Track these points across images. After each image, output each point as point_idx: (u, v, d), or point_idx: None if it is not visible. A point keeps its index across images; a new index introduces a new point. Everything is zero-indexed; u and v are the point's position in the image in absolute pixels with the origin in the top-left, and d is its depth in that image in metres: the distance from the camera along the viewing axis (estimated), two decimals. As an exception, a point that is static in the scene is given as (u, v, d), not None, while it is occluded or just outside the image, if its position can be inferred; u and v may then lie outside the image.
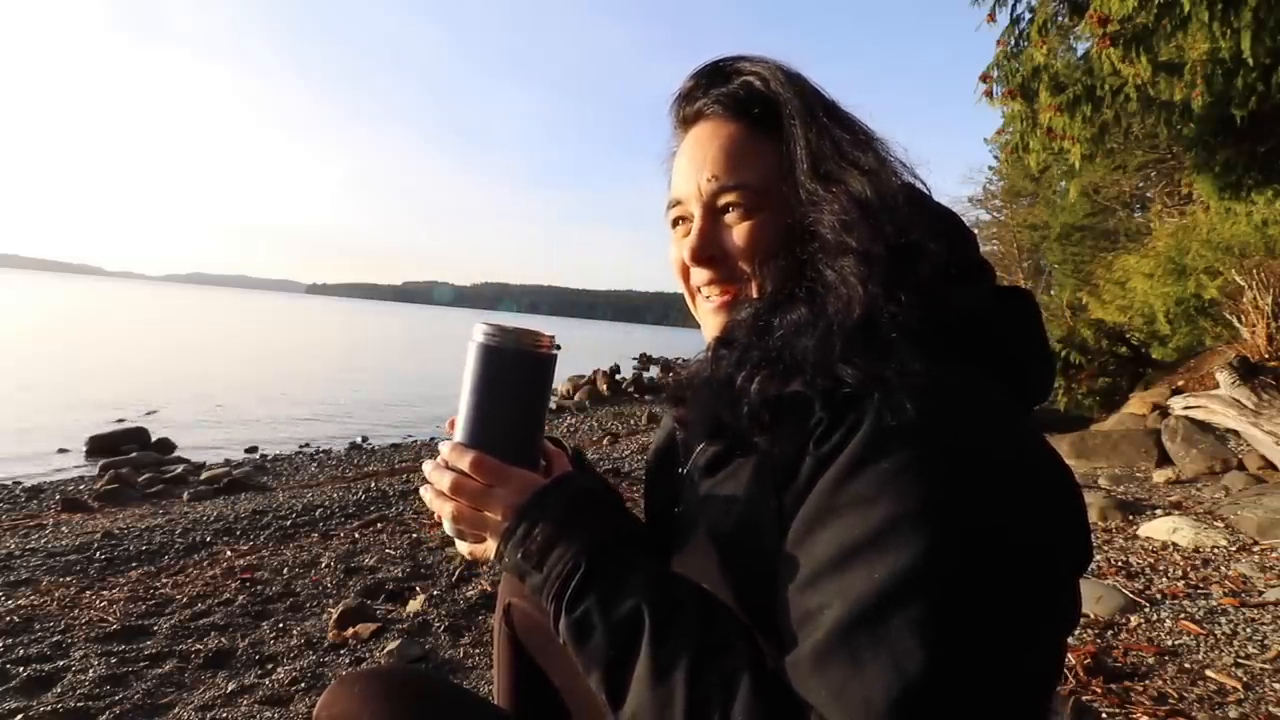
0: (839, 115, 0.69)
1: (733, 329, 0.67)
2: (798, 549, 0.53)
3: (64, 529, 4.44)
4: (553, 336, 0.68)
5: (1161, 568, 2.72)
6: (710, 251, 0.70)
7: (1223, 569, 2.66)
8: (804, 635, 0.50)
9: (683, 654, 0.52)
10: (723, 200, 0.69)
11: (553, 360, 0.68)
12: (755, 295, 0.67)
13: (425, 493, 0.68)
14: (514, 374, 0.66)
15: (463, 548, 0.70)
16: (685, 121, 0.75)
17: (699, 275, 0.73)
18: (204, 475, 6.77)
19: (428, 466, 0.67)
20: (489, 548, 0.66)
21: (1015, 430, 0.55)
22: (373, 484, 5.86)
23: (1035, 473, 0.54)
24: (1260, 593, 2.41)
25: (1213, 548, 2.87)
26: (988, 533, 0.48)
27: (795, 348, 0.59)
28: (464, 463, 0.64)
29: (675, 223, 0.75)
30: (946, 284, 0.59)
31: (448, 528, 0.67)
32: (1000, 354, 0.60)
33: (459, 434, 0.66)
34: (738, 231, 0.69)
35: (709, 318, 0.73)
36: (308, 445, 9.23)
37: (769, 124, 0.68)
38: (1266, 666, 1.92)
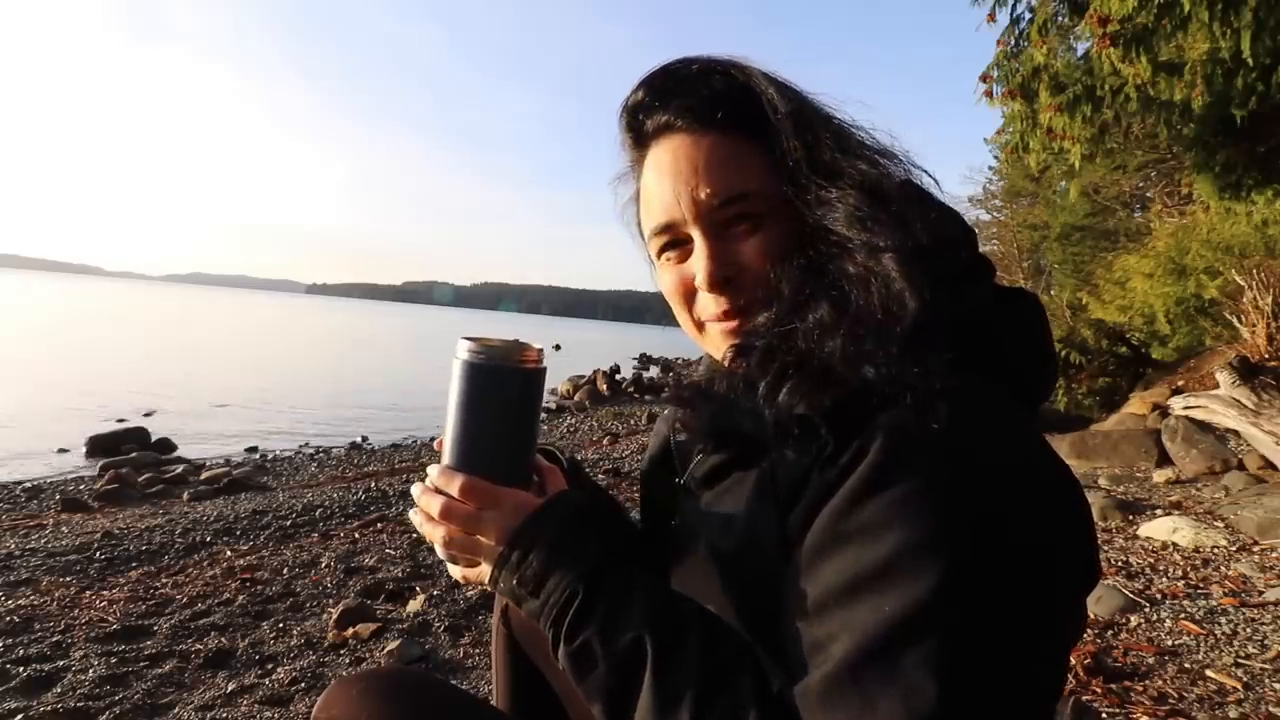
0: (819, 106, 0.66)
1: (751, 334, 0.63)
2: (805, 575, 0.52)
3: (64, 529, 4.44)
4: (541, 349, 0.65)
5: (1161, 568, 2.71)
6: (726, 272, 0.64)
7: (1223, 569, 2.66)
8: (812, 666, 0.49)
9: (687, 686, 0.51)
10: (727, 214, 0.64)
11: (541, 374, 0.65)
12: (769, 302, 0.63)
13: (414, 517, 0.65)
14: (501, 391, 0.63)
15: (455, 571, 0.67)
16: (648, 136, 0.69)
17: (714, 304, 0.66)
18: (204, 475, 6.77)
19: (416, 490, 0.65)
20: (483, 572, 0.64)
21: (1026, 448, 0.53)
22: (373, 484, 5.86)
23: (1046, 494, 0.52)
24: (1260, 593, 2.41)
25: (1213, 548, 2.87)
26: (998, 561, 0.47)
27: (823, 349, 0.56)
28: (453, 487, 0.62)
29: (663, 249, 0.69)
30: (957, 282, 0.58)
31: (439, 552, 0.65)
32: (1001, 356, 0.58)
33: (447, 456, 0.64)
34: (750, 245, 0.64)
35: (725, 343, 0.66)
36: (308, 445, 9.24)
37: (745, 126, 0.64)
38: (1266, 666, 1.92)
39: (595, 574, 0.57)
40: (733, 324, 0.66)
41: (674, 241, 0.68)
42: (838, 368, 0.54)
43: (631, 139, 0.72)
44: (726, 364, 0.64)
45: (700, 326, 0.70)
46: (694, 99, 0.65)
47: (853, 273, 0.58)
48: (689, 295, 0.69)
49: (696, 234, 0.65)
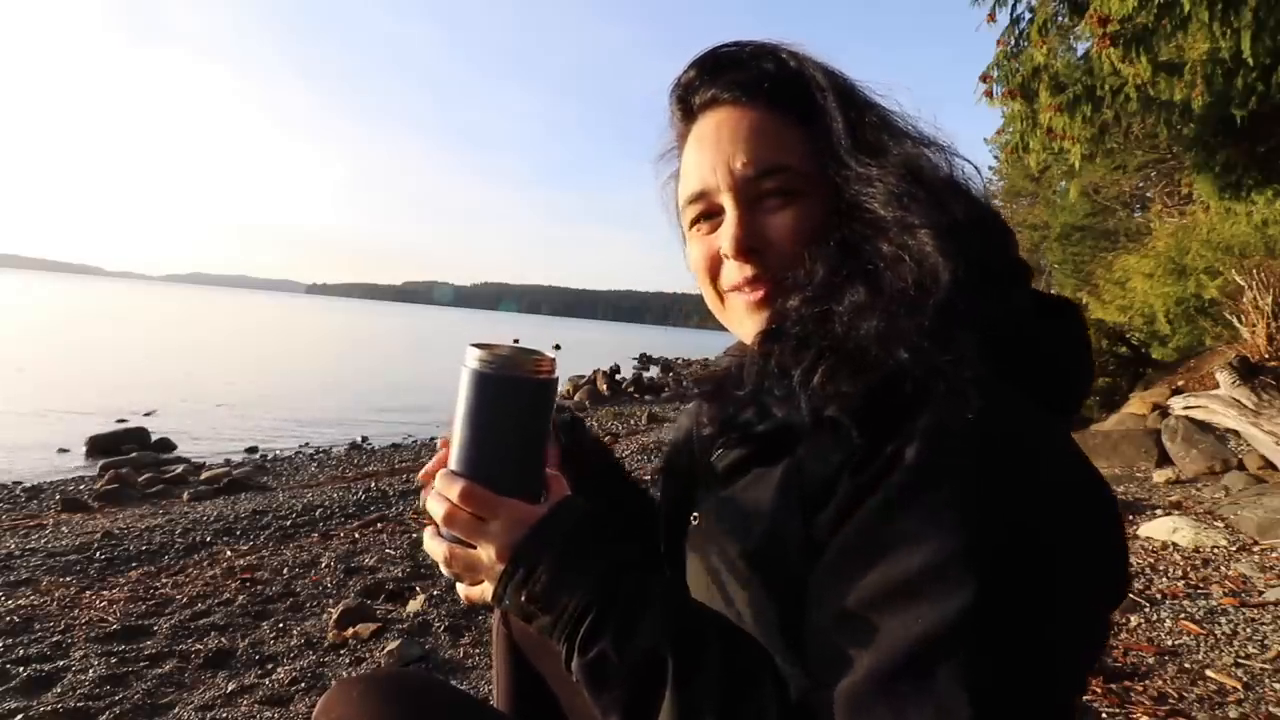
0: (867, 94, 0.67)
1: (781, 318, 0.61)
2: (834, 581, 0.51)
3: (64, 529, 4.44)
4: (553, 359, 0.62)
5: (1161, 568, 2.72)
6: (753, 243, 0.64)
7: (1223, 569, 2.66)
8: (840, 674, 0.48)
9: (709, 698, 0.50)
10: (762, 186, 0.64)
11: (553, 385, 0.62)
12: (801, 284, 0.61)
13: (429, 540, 0.63)
14: (510, 402, 0.60)
15: (460, 590, 0.65)
16: (696, 110, 0.70)
17: (737, 271, 0.66)
18: (204, 475, 6.76)
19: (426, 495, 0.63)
20: (485, 590, 0.60)
21: (1062, 460, 0.51)
22: (373, 484, 5.86)
23: (1081, 508, 0.50)
24: (1260, 593, 2.41)
25: (1213, 548, 2.87)
26: (1033, 576, 0.46)
27: (858, 332, 0.54)
28: (453, 491, 0.59)
29: (695, 220, 0.69)
30: (995, 278, 0.56)
31: (444, 570, 0.63)
32: (1038, 362, 0.56)
33: (452, 464, 0.62)
34: (780, 219, 0.64)
35: (746, 316, 0.66)
36: (308, 445, 9.23)
37: (791, 105, 0.65)
38: (1266, 666, 1.92)
39: (606, 584, 0.55)
40: (756, 295, 0.65)
41: (706, 212, 0.68)
42: (871, 349, 0.53)
43: (680, 112, 0.72)
44: (755, 347, 0.63)
45: (723, 299, 0.70)
46: (744, 75, 0.67)
47: (887, 252, 0.57)
48: (715, 266, 0.69)
49: (728, 202, 0.65)
